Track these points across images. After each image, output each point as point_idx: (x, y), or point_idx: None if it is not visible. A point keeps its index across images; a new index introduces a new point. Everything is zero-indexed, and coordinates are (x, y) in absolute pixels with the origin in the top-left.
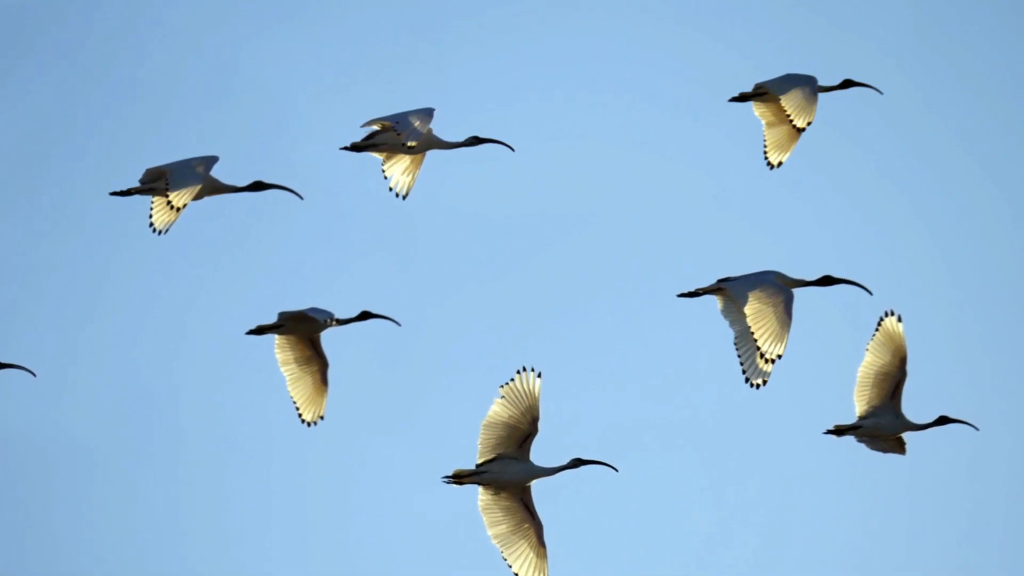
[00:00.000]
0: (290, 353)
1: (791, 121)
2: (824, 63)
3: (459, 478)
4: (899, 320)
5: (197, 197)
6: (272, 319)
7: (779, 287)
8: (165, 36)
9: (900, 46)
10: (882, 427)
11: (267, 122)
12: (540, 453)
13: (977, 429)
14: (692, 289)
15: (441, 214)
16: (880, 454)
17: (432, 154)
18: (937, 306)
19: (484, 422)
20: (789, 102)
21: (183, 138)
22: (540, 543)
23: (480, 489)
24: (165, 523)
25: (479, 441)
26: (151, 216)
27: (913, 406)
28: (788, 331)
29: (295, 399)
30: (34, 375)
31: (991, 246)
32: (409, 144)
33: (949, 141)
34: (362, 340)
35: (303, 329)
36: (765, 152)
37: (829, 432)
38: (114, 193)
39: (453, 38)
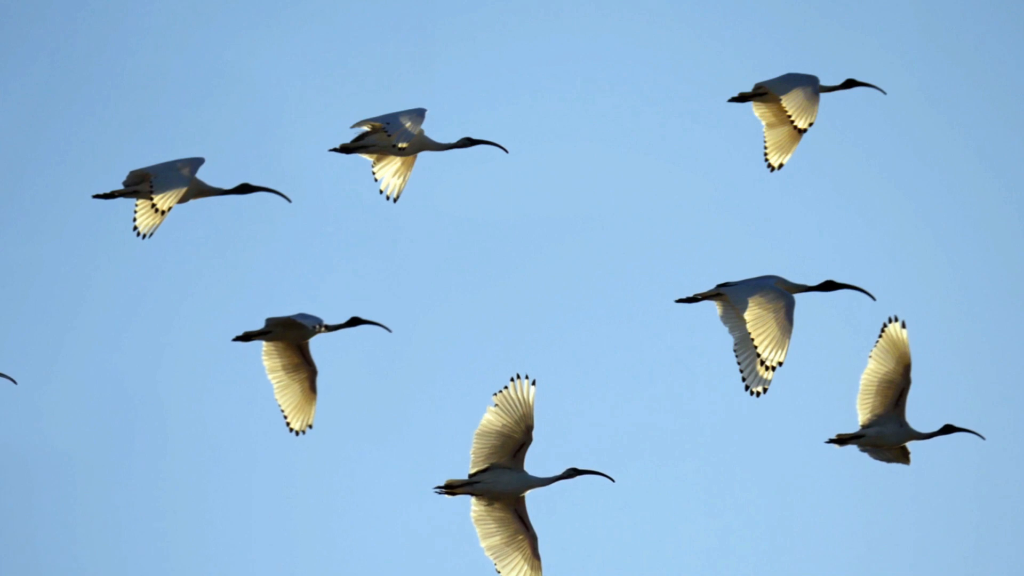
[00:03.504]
0: (278, 360)
1: (792, 122)
2: (826, 62)
3: (452, 488)
4: (903, 326)
5: (182, 200)
6: (259, 325)
7: (780, 292)
8: (151, 35)
9: (903, 45)
10: (886, 436)
11: (255, 123)
12: (535, 462)
13: (983, 438)
14: (691, 295)
15: (433, 217)
16: (884, 464)
17: (424, 155)
18: (942, 312)
19: (477, 431)
20: (790, 102)
21: (168, 139)
22: (535, 555)
23: (473, 499)
24: (150, 533)
25: (472, 450)
26: (135, 219)
27: (917, 415)
28: (789, 337)
29: (283, 407)
30: (15, 383)
31: (996, 250)
32: (400, 145)
33: (953, 143)
34: (352, 347)
35: (291, 335)
36: (766, 154)
37: (831, 441)
38: (97, 196)
39: (446, 38)
